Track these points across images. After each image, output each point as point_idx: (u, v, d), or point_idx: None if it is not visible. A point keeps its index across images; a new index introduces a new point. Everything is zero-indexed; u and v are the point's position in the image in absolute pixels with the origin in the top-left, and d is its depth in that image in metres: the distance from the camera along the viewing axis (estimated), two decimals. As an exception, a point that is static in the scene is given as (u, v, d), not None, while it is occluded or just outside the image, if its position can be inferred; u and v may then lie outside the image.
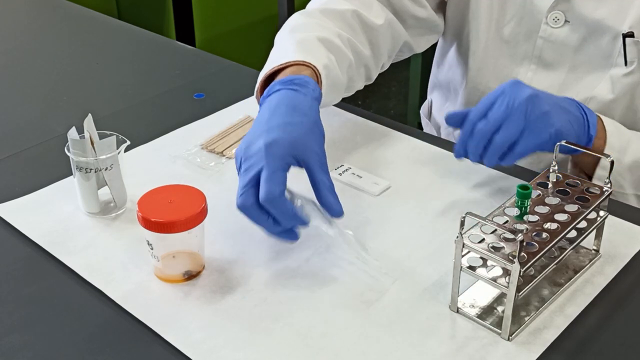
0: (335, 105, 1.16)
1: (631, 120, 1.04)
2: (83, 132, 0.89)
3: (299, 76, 0.91)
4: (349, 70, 1.04)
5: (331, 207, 0.82)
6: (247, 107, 1.15)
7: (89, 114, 0.90)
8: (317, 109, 0.89)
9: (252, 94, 1.19)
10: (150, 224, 0.78)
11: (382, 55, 1.12)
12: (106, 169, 0.90)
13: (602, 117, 0.97)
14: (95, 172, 0.90)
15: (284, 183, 0.80)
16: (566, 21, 1.04)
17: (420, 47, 1.20)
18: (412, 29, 1.15)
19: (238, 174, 0.84)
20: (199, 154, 1.04)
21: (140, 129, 1.10)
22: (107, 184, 0.91)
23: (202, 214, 0.80)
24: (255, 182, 0.80)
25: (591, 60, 1.04)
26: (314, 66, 0.95)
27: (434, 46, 1.30)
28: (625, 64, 1.00)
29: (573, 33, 1.04)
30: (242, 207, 0.80)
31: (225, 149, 1.05)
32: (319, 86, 0.93)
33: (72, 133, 0.90)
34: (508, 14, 1.09)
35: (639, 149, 0.98)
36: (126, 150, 0.93)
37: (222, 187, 0.98)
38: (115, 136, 0.90)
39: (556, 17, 1.04)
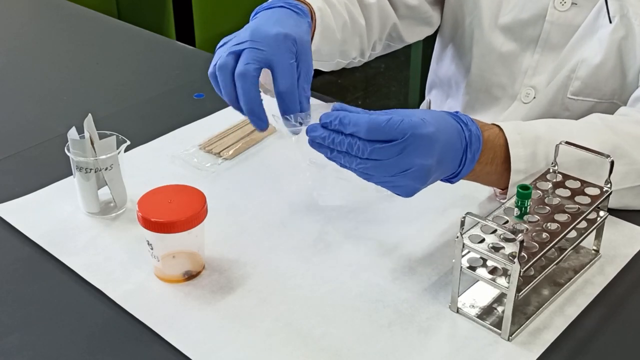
0: (335, 105, 1.16)
1: (620, 84, 1.02)
2: (83, 132, 0.89)
3: (295, 2, 0.95)
4: (343, 29, 1.06)
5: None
6: (247, 107, 1.15)
7: (89, 114, 0.90)
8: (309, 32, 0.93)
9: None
10: (150, 224, 0.78)
11: (374, 34, 1.14)
12: (106, 169, 0.90)
13: (506, 130, 0.86)
14: (95, 172, 0.90)
15: (295, 75, 0.84)
16: (573, 4, 1.04)
17: (411, 37, 1.21)
18: (404, 18, 1.17)
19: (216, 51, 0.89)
20: (196, 154, 1.04)
21: (140, 129, 1.10)
22: (107, 184, 0.91)
23: (202, 214, 0.80)
24: (264, 63, 0.84)
25: (587, 31, 1.04)
26: (309, 3, 0.97)
27: (433, 44, 1.30)
28: (610, 21, 1.00)
29: (580, 14, 1.04)
30: (220, 68, 0.85)
31: (223, 150, 1.05)
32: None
33: (72, 133, 0.90)
34: (512, 0, 1.09)
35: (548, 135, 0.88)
36: (126, 150, 0.93)
37: (222, 187, 0.98)
38: (115, 136, 0.90)
39: (563, 1, 1.04)
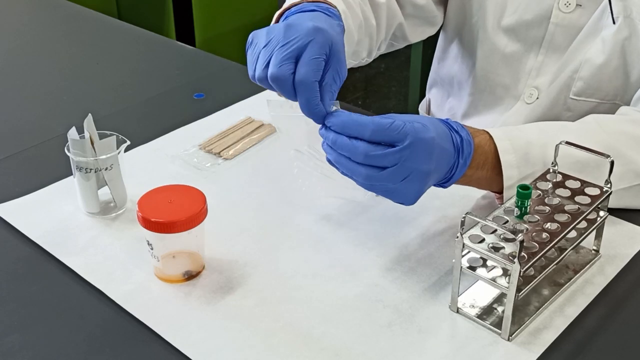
0: (335, 105, 1.16)
1: (623, 85, 1.02)
2: (83, 132, 0.89)
3: (326, 5, 0.91)
4: (359, 30, 1.05)
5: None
6: (247, 108, 1.15)
7: (89, 114, 0.90)
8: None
9: (253, 94, 1.19)
10: (150, 224, 0.78)
11: (381, 33, 1.13)
12: (106, 169, 0.90)
13: (496, 138, 0.87)
14: (95, 172, 0.90)
15: (320, 71, 0.79)
16: (577, 5, 1.04)
17: (415, 37, 1.20)
18: (409, 17, 1.17)
19: (249, 49, 0.83)
20: (196, 154, 1.04)
21: (140, 129, 1.10)
22: (107, 184, 0.91)
23: (202, 214, 0.80)
24: (295, 58, 0.79)
25: (590, 32, 1.04)
26: (334, 6, 0.95)
27: (434, 44, 1.30)
28: (614, 22, 1.00)
29: (584, 15, 1.04)
30: (275, 79, 0.78)
31: (223, 150, 1.05)
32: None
33: (72, 133, 0.90)
34: (516, 1, 1.09)
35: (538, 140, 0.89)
36: (126, 150, 0.93)
37: (222, 187, 0.98)
38: (115, 136, 0.91)
39: (567, 2, 1.04)
